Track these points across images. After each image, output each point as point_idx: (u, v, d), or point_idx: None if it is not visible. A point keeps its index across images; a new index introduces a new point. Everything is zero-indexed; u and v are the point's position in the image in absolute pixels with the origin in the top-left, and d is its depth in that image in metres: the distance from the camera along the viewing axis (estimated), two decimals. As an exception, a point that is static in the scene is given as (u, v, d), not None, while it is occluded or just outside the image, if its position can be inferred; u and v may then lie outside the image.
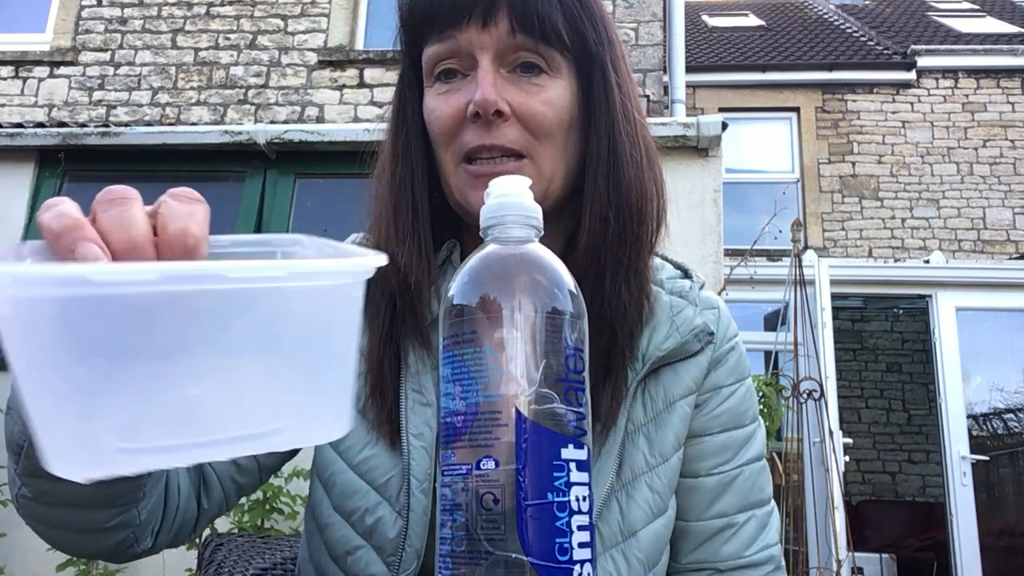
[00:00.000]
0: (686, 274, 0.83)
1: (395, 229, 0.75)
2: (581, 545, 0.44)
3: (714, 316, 0.80)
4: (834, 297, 5.25)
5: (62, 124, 4.32)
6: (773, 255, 6.71)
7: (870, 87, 9.13)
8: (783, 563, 0.80)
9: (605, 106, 0.74)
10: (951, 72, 9.10)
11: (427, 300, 0.75)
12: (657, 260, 0.82)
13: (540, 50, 0.70)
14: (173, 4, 6.40)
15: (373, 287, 0.77)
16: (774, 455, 4.25)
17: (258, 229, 3.89)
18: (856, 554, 4.97)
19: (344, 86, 6.08)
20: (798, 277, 4.82)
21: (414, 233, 0.74)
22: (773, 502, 0.81)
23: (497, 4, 0.69)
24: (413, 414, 0.72)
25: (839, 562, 4.38)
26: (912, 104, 9.03)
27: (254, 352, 0.44)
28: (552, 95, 0.71)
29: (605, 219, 0.72)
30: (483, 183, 0.70)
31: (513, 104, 0.70)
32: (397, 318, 0.75)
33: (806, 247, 7.38)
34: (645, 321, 0.75)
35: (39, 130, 4.01)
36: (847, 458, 4.97)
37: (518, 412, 0.45)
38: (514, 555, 0.43)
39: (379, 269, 0.75)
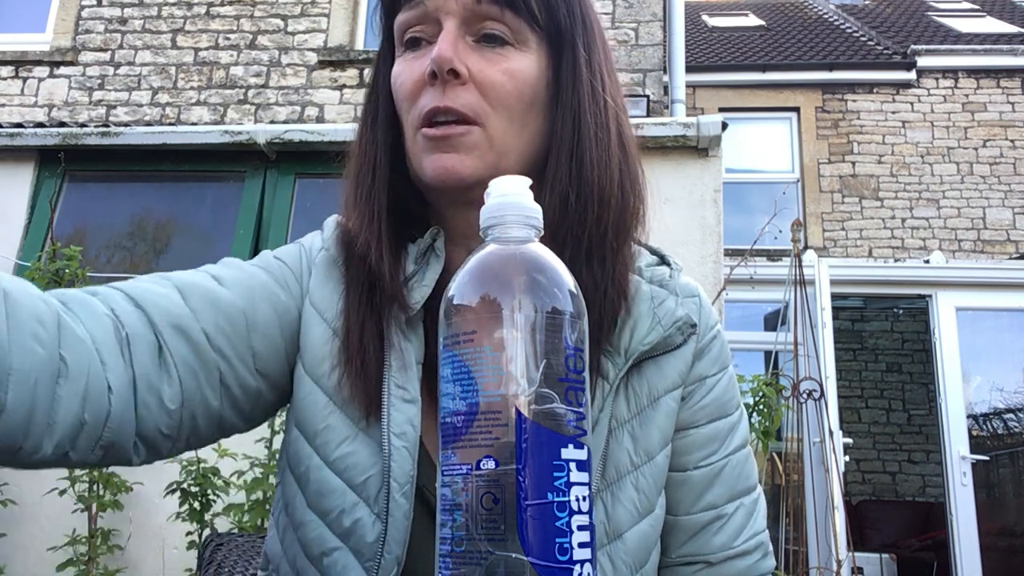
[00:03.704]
0: (663, 260, 0.81)
1: (353, 192, 0.75)
2: (581, 545, 0.45)
3: (695, 305, 0.79)
4: (834, 297, 5.25)
5: (62, 124, 4.32)
6: (773, 255, 6.71)
7: (870, 87, 9.13)
8: (771, 548, 0.79)
9: (572, 83, 0.72)
10: (951, 72, 9.11)
11: (411, 286, 0.72)
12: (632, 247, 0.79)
13: (507, 19, 0.70)
14: (173, 4, 6.40)
15: (350, 257, 0.75)
16: (774, 455, 4.25)
17: (258, 229, 3.89)
18: (856, 554, 4.97)
19: (344, 86, 6.08)
20: (798, 277, 4.82)
21: (368, 197, 0.73)
22: (759, 487, 0.80)
23: None
24: (395, 411, 0.68)
25: (839, 562, 4.38)
26: (912, 104, 9.03)
27: None
28: (514, 66, 0.70)
29: (565, 198, 0.70)
30: (433, 147, 0.69)
31: (472, 70, 0.69)
32: (375, 291, 0.72)
33: (806, 247, 7.38)
34: (619, 316, 0.73)
35: (39, 130, 4.01)
36: (847, 458, 4.97)
37: (518, 412, 0.45)
38: (514, 555, 0.43)
39: (348, 237, 0.74)
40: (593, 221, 0.70)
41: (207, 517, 3.14)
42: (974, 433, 5.91)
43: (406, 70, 0.72)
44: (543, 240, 0.68)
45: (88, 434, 0.58)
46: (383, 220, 0.73)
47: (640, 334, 0.73)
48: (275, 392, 0.74)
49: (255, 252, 3.83)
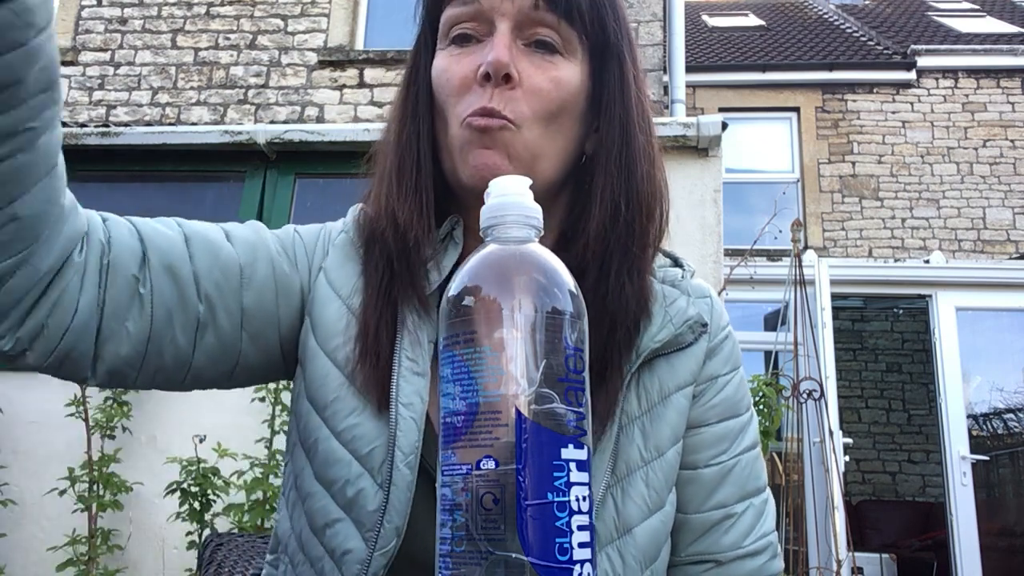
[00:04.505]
0: (676, 262, 0.83)
1: (397, 186, 0.74)
2: (581, 545, 0.45)
3: (707, 306, 0.80)
4: (834, 297, 5.25)
5: (62, 124, 4.32)
6: (773, 255, 6.71)
7: (870, 87, 9.13)
8: (779, 550, 0.80)
9: (620, 96, 0.74)
10: (951, 72, 9.11)
11: (427, 269, 0.74)
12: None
13: (560, 29, 0.70)
14: (173, 4, 6.40)
15: (372, 246, 0.76)
16: (774, 455, 4.25)
17: (258, 229, 3.90)
18: (856, 554, 4.97)
19: (344, 86, 6.08)
20: (798, 277, 4.82)
21: (416, 191, 0.73)
22: (768, 489, 0.81)
23: None
24: (405, 382, 0.69)
25: (839, 562, 4.38)
26: (912, 104, 9.03)
27: None
28: (562, 75, 0.71)
29: (616, 207, 0.72)
30: (477, 140, 0.69)
31: (523, 75, 0.70)
32: (395, 281, 0.73)
33: (806, 247, 7.38)
34: (642, 324, 0.74)
35: None
36: (847, 458, 4.97)
37: (518, 412, 0.45)
38: (514, 555, 0.43)
39: (378, 227, 0.75)
40: (640, 232, 0.73)
41: (207, 517, 3.15)
42: (974, 433, 5.91)
43: (453, 65, 0.72)
44: (593, 247, 0.71)
45: (46, 339, 0.63)
46: (432, 214, 0.74)
47: (651, 332, 0.74)
48: (262, 357, 0.75)
49: (255, 252, 3.83)
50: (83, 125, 4.24)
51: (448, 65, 0.72)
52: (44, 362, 0.65)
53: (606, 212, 0.72)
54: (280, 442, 3.22)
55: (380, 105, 5.87)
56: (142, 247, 0.69)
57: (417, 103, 0.76)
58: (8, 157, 0.56)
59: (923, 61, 9.06)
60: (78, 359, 0.66)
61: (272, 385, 3.18)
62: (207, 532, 3.12)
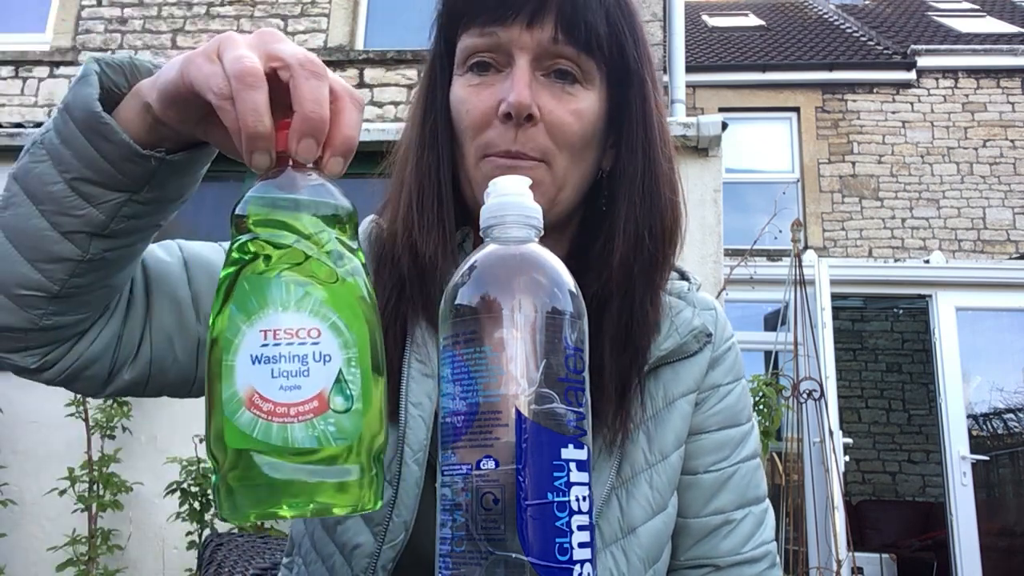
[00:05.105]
0: (683, 276, 0.84)
1: (419, 217, 0.74)
2: (581, 545, 0.45)
3: (712, 317, 0.82)
4: (834, 297, 5.25)
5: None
6: (773, 255, 6.70)
7: (870, 87, 9.13)
8: (778, 560, 0.82)
9: (642, 123, 0.73)
10: (951, 72, 9.10)
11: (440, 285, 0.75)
12: None
13: (580, 60, 0.70)
14: (173, 4, 6.40)
15: (383, 265, 0.76)
16: (774, 455, 4.25)
17: (258, 229, 3.89)
18: (856, 554, 4.97)
19: (344, 86, 6.08)
20: (798, 277, 4.81)
21: (439, 224, 0.73)
22: (768, 500, 0.83)
23: (546, 6, 0.68)
24: (415, 383, 0.71)
25: (839, 562, 4.38)
26: (912, 104, 9.03)
27: None
28: (582, 106, 0.71)
29: (640, 238, 0.72)
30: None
31: (544, 110, 0.69)
32: (405, 302, 0.74)
33: (806, 247, 7.38)
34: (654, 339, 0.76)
35: (39, 130, 4.00)
36: (847, 458, 4.97)
37: (518, 412, 0.45)
38: (514, 555, 0.43)
39: (391, 251, 0.75)
40: (663, 260, 0.74)
41: (207, 517, 3.15)
42: (974, 433, 5.91)
43: (472, 98, 0.72)
44: (616, 276, 0.72)
45: (65, 363, 0.67)
46: (456, 248, 0.75)
47: (657, 341, 0.76)
48: None
49: (255, 252, 3.82)
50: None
51: (467, 96, 0.72)
52: (56, 379, 0.69)
53: (629, 243, 0.72)
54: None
55: (380, 105, 5.86)
56: (152, 284, 0.73)
57: (436, 131, 0.76)
58: (138, 243, 0.65)
59: (923, 61, 9.06)
60: (90, 379, 0.70)
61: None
62: (207, 532, 3.12)
